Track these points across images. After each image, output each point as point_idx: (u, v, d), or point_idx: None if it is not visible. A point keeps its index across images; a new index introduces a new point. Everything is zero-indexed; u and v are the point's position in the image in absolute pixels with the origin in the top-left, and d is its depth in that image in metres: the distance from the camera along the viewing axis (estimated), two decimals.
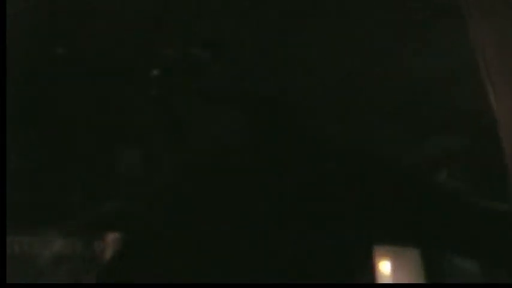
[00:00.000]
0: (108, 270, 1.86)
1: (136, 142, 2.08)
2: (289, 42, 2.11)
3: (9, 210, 1.74)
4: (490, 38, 1.81)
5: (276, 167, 2.03)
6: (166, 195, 2.03)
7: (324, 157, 2.05)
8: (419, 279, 1.80)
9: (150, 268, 1.86)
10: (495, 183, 1.92)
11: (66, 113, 2.08)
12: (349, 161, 2.02)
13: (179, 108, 2.13)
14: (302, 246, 1.88)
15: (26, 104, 2.03)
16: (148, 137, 2.10)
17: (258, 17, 2.10)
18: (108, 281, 1.85)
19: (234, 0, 2.11)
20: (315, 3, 2.08)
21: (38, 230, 1.90)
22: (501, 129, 1.76)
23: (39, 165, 2.03)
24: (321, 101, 2.10)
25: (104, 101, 2.09)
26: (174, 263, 1.86)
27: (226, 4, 2.11)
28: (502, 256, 1.80)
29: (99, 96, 2.09)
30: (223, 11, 2.12)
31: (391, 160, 2.04)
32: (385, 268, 1.84)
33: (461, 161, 2.05)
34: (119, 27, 2.11)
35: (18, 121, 1.97)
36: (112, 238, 1.88)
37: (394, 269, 1.83)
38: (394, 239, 1.89)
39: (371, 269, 1.84)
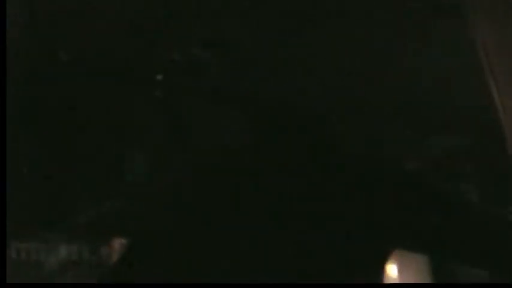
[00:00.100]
0: (113, 274, 1.87)
1: (138, 143, 2.08)
2: (289, 42, 2.11)
3: (11, 212, 1.74)
4: (491, 38, 1.81)
5: (276, 166, 2.03)
6: (167, 195, 2.03)
7: (324, 157, 2.05)
8: (423, 281, 1.80)
9: (152, 269, 1.86)
10: (498, 184, 1.92)
11: (67, 113, 2.08)
12: (350, 161, 2.02)
13: (181, 108, 2.13)
14: (302, 246, 1.88)
15: (26, 104, 2.04)
16: (151, 137, 2.10)
17: (258, 17, 2.10)
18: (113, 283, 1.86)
19: (234, 1, 2.11)
20: (315, 3, 2.08)
21: (44, 235, 1.90)
22: (504, 129, 1.76)
23: (39, 166, 2.03)
24: (321, 101, 2.10)
25: (104, 101, 2.09)
26: (174, 263, 1.86)
27: (226, 4, 2.11)
28: (505, 259, 1.80)
29: (100, 96, 2.09)
30: (223, 11, 2.12)
31: (391, 160, 2.04)
32: (388, 270, 1.84)
33: (461, 160, 2.05)
34: (119, 28, 2.11)
35: (18, 121, 1.97)
36: (118, 243, 1.89)
37: (398, 270, 1.83)
38: (395, 239, 1.89)
39: (372, 270, 1.84)
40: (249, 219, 1.92)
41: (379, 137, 2.07)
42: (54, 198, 2.00)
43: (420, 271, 1.81)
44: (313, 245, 1.87)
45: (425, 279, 1.80)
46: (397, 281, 1.82)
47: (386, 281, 1.82)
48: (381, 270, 1.83)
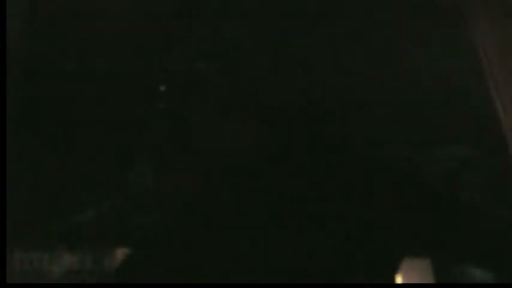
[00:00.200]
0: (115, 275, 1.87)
1: (139, 143, 2.08)
2: (289, 42, 2.11)
3: (11, 212, 1.74)
4: (491, 38, 1.81)
5: (276, 166, 2.03)
6: (168, 195, 2.03)
7: (324, 157, 2.05)
8: (423, 281, 1.80)
9: (152, 269, 1.86)
10: (499, 184, 1.92)
11: (67, 113, 2.08)
12: (350, 161, 2.02)
13: (181, 109, 2.13)
14: (302, 246, 1.88)
15: (26, 104, 2.03)
16: (151, 137, 2.10)
17: (258, 17, 2.10)
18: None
19: (234, 1, 2.11)
20: (314, 3, 2.08)
21: (46, 243, 1.90)
22: (504, 129, 1.76)
23: (39, 166, 2.03)
24: (321, 101, 2.10)
25: (104, 101, 2.09)
26: (175, 263, 1.86)
27: (226, 4, 2.11)
28: (505, 259, 1.80)
29: (100, 96, 2.09)
30: (223, 12, 2.12)
31: (391, 160, 2.04)
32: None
33: (461, 160, 2.05)
34: (119, 28, 2.11)
35: (18, 121, 1.97)
36: (120, 253, 1.89)
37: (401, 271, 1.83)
38: (395, 239, 1.89)
39: (372, 270, 1.84)
40: (249, 219, 1.92)
41: (379, 137, 2.07)
42: (54, 198, 1.99)
43: (421, 271, 1.81)
44: (313, 245, 1.87)
45: (426, 279, 1.80)
46: (396, 280, 1.81)
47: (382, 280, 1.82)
48: (381, 270, 1.83)
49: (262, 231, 1.90)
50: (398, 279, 1.80)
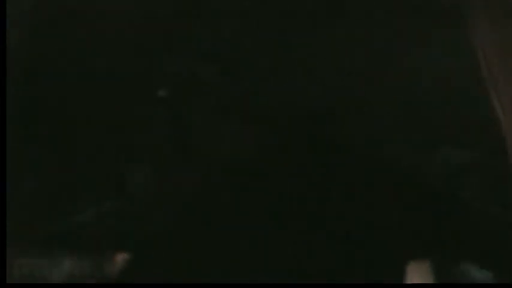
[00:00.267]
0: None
1: (144, 153, 2.09)
2: (289, 42, 2.11)
3: (11, 213, 1.74)
4: (491, 38, 1.81)
5: (277, 167, 2.03)
6: (168, 196, 2.03)
7: (324, 157, 2.05)
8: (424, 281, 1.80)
9: (152, 269, 1.86)
10: (499, 184, 1.92)
11: (67, 113, 2.08)
12: (350, 161, 2.02)
13: (181, 109, 2.13)
14: (302, 246, 1.88)
15: (26, 104, 2.03)
16: (151, 137, 2.10)
17: (258, 17, 2.09)
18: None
19: (234, 1, 2.11)
20: (315, 3, 2.08)
21: (46, 249, 1.90)
22: (504, 129, 1.76)
23: (39, 166, 2.03)
24: (321, 101, 2.10)
25: (104, 101, 2.09)
26: (175, 263, 1.87)
27: (226, 4, 2.11)
28: (505, 259, 1.80)
29: (100, 97, 2.09)
30: (223, 12, 2.11)
31: (391, 160, 2.04)
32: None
33: (461, 160, 2.05)
34: (120, 28, 2.11)
35: (18, 121, 1.97)
36: (121, 258, 1.89)
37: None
38: (395, 239, 1.89)
39: (372, 270, 1.84)
40: (249, 219, 1.92)
41: (379, 137, 2.07)
42: (54, 198, 2.00)
43: (421, 271, 1.81)
44: (313, 245, 1.87)
45: (426, 279, 1.80)
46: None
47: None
48: (381, 270, 1.83)
49: (262, 231, 1.90)
50: (399, 279, 1.80)
